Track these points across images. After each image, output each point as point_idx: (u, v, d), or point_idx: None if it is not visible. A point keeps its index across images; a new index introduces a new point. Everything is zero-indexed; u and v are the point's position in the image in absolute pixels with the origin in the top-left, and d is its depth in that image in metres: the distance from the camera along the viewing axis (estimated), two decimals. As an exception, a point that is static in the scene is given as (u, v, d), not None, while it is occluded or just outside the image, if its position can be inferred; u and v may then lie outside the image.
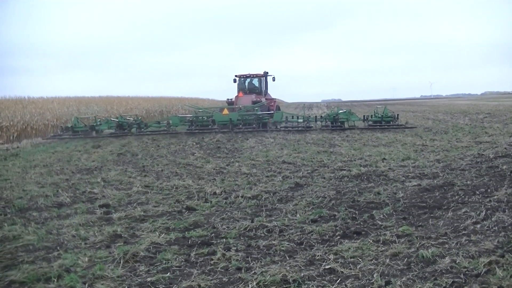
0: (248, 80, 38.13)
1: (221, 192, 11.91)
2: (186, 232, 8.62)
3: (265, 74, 37.85)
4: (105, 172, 15.48)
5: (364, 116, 32.28)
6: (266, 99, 36.73)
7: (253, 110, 32.19)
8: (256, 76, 37.85)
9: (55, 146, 25.12)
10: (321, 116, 33.11)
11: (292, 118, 33.33)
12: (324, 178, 13.47)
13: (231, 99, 36.41)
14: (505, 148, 18.37)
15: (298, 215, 9.51)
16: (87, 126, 32.24)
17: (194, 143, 24.20)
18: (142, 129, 31.85)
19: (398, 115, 33.01)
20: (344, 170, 14.57)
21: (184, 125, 32.27)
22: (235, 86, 37.77)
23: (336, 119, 31.23)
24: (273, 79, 37.78)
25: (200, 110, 36.62)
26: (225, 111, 31.64)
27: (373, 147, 20.39)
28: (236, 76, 37.95)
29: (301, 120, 31.90)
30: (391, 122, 31.25)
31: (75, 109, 40.53)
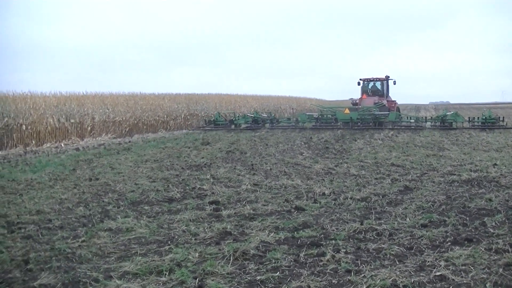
0: (372, 83, 41.66)
1: (330, 193, 11.89)
2: (295, 232, 8.63)
3: (387, 78, 40.87)
4: (214, 169, 15.71)
5: (469, 118, 35.24)
6: (387, 101, 39.78)
7: (373, 110, 35.54)
8: (379, 79, 41.17)
9: (165, 142, 25.69)
10: (431, 117, 36.87)
11: (406, 118, 37.07)
12: (434, 182, 13.25)
13: (356, 100, 41.20)
14: None
15: (407, 219, 9.38)
16: (227, 120, 37.76)
17: (303, 143, 24.32)
18: (274, 124, 36.90)
19: (503, 117, 34.65)
20: (454, 174, 14.29)
21: (311, 121, 36.34)
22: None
23: (444, 120, 34.41)
24: (394, 82, 40.65)
25: (325, 109, 39.24)
26: (347, 111, 35.70)
27: (483, 152, 19.91)
28: (360, 79, 41.39)
29: (413, 120, 35.60)
30: (494, 123, 33.54)
31: (184, 106, 41.52)
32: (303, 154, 19.59)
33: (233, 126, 36.74)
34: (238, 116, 38.46)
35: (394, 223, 9.11)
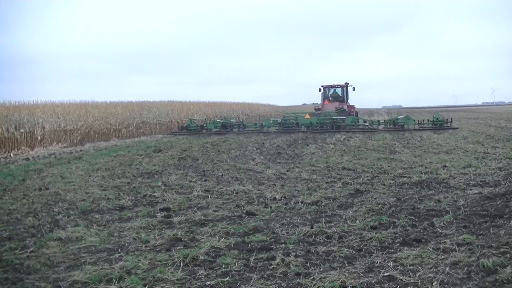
0: (332, 89, 45.68)
1: (281, 197, 11.94)
2: (245, 237, 8.64)
3: (346, 85, 44.71)
4: (166, 176, 15.64)
5: (418, 120, 40.01)
6: (347, 106, 43.79)
7: (332, 115, 39.32)
8: (339, 86, 45.15)
9: (117, 150, 25.49)
10: (384, 121, 42.06)
11: (363, 122, 40.96)
12: (384, 184, 13.41)
13: (318, 105, 45.27)
14: None
15: (357, 222, 9.45)
16: (198, 126, 41.13)
17: (255, 149, 24.39)
18: (241, 129, 40.49)
19: (451, 119, 40.30)
20: (405, 177, 14.49)
21: (275, 126, 39.89)
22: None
23: (396, 123, 39.00)
24: (353, 89, 44.49)
25: (287, 115, 43.15)
26: (307, 116, 39.63)
27: (434, 154, 20.23)
28: (322, 86, 45.02)
29: (367, 124, 40.10)
30: (441, 125, 38.29)
31: (137, 113, 41.30)
32: (255, 160, 19.62)
33: (204, 131, 39.85)
34: (209, 122, 41.96)
35: (344, 226, 9.17)
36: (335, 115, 39.59)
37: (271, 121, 41.39)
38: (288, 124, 39.84)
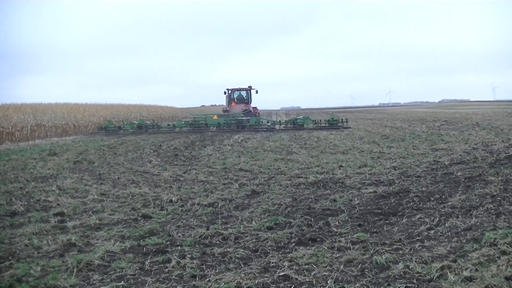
0: (237, 92, 49.53)
1: (178, 199, 11.89)
2: (141, 240, 8.57)
3: (250, 88, 48.84)
4: (61, 180, 15.29)
5: (315, 120, 43.98)
6: (252, 107, 48.31)
7: (238, 116, 43.11)
8: (244, 89, 49.25)
9: (10, 154, 24.76)
10: (285, 121, 45.78)
11: (264, 122, 44.72)
12: (281, 185, 13.54)
13: (227, 107, 48.93)
14: (461, 155, 18.72)
15: (253, 223, 9.51)
16: (116, 127, 44.46)
17: (152, 151, 24.20)
18: (155, 129, 43.84)
19: (347, 119, 44.45)
20: (301, 177, 14.67)
21: (186, 126, 43.31)
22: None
23: (295, 123, 42.47)
24: (256, 91, 48.62)
25: (197, 116, 47.60)
26: (215, 117, 43.54)
27: (330, 155, 20.55)
28: (227, 89, 48.97)
29: (270, 124, 44.26)
30: (336, 124, 42.17)
31: (31, 116, 40.18)
32: (152, 162, 19.50)
33: (121, 131, 42.85)
34: (126, 123, 45.64)
35: (240, 227, 9.22)
36: (241, 116, 43.44)
37: (183, 122, 44.66)
38: (198, 124, 43.25)
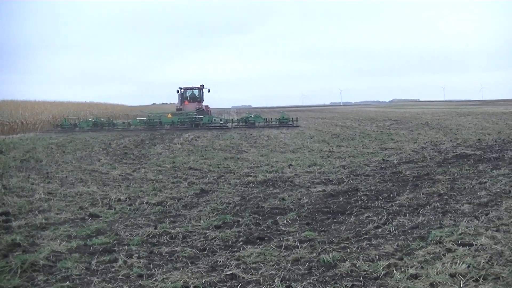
0: (190, 91, 50.90)
1: (126, 198, 11.81)
2: (88, 240, 8.45)
3: (202, 87, 50.24)
4: (6, 179, 14.97)
5: (266, 119, 46.09)
6: (204, 106, 49.92)
7: (191, 114, 44.54)
8: (196, 88, 50.59)
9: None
10: (237, 119, 46.87)
11: (216, 120, 45.46)
12: (230, 184, 13.56)
13: (180, 106, 49.75)
14: (409, 154, 19.00)
15: (202, 221, 9.49)
16: (72, 124, 44.41)
17: (101, 149, 23.97)
18: (111, 127, 44.08)
19: (297, 118, 45.30)
20: (250, 176, 14.72)
21: (141, 124, 44.29)
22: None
23: (247, 121, 44.50)
24: (208, 90, 50.07)
25: (152, 114, 49.06)
26: (169, 115, 45.18)
27: (280, 153, 20.64)
28: (179, 88, 50.35)
29: (222, 122, 45.25)
30: (286, 122, 43.65)
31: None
32: (101, 161, 19.30)
33: (77, 129, 42.90)
34: (81, 121, 46.15)
35: (188, 226, 9.19)
36: (194, 114, 44.97)
37: (138, 120, 46.64)
38: (153, 123, 44.48)
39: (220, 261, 7.22)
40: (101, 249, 7.94)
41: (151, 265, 7.12)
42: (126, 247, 8.03)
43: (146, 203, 11.30)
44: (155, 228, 9.00)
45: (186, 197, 11.93)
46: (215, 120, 45.43)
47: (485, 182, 12.56)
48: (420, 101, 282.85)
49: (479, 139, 24.76)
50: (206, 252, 7.76)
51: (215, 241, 8.28)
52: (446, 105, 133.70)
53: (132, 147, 24.99)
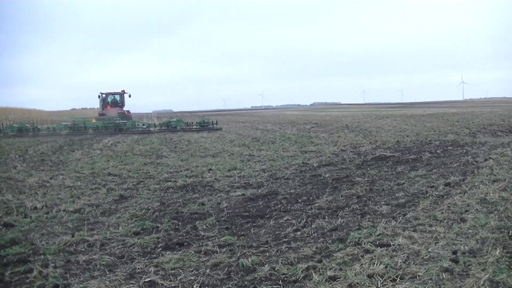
0: (111, 96, 52.61)
1: (42, 206, 11.49)
2: (2, 250, 8.22)
3: (123, 92, 52.26)
4: None
5: (187, 122, 47.03)
6: (125, 111, 51.65)
7: (115, 119, 45.43)
8: (118, 93, 52.29)
9: None
10: (160, 124, 47.77)
11: (139, 125, 46.62)
12: (150, 189, 13.44)
13: (102, 111, 51.41)
14: (329, 157, 19.18)
15: (120, 228, 9.38)
16: None
17: (17, 156, 23.37)
18: (35, 132, 43.42)
19: (217, 121, 46.64)
20: (170, 181, 14.64)
21: (66, 129, 44.03)
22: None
23: (169, 125, 45.33)
24: (129, 95, 52.50)
25: (77, 119, 48.85)
26: (94, 120, 46.30)
27: (200, 158, 20.58)
28: (101, 93, 52.26)
29: (145, 126, 46.09)
30: (206, 126, 44.74)
31: None
32: (17, 168, 18.77)
33: (1, 134, 42.06)
34: (5, 126, 45.91)
35: (107, 233, 9.05)
36: (118, 119, 46.12)
37: (63, 125, 45.88)
38: (78, 127, 44.42)
39: (138, 268, 7.15)
40: (15, 259, 7.70)
41: (67, 275, 6.96)
42: (42, 256, 7.83)
43: (64, 210, 11.03)
44: (73, 236, 8.80)
45: (104, 204, 11.73)
46: (138, 124, 46.39)
47: (403, 183, 12.85)
48: (340, 104, 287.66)
49: (397, 141, 25.27)
50: (124, 259, 7.66)
51: (133, 248, 8.20)
52: (366, 108, 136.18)
53: (50, 153, 24.42)
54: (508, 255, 6.97)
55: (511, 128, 33.20)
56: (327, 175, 14.57)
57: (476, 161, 16.30)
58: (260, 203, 11.30)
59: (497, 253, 7.02)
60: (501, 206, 9.81)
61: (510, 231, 8.11)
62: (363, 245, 7.64)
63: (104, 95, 52.33)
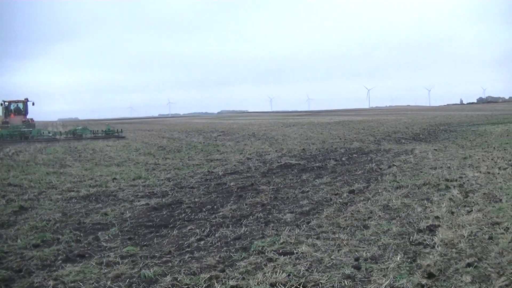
0: (14, 104, 51.10)
1: None
2: None
3: (27, 100, 51.10)
4: None
5: (92, 130, 48.79)
6: (29, 119, 50.62)
7: (21, 127, 45.66)
8: (21, 101, 51.23)
9: None
10: (66, 132, 48.85)
11: (45, 132, 47.24)
12: (51, 200, 13.11)
13: (6, 119, 49.14)
14: (235, 165, 19.21)
15: (19, 241, 9.10)
16: None
17: None
18: None
19: (121, 130, 49.15)
20: (73, 191, 14.35)
21: None
22: None
23: (75, 133, 46.20)
24: (33, 103, 51.20)
25: None
26: None
27: (105, 167, 20.30)
28: (3, 101, 50.57)
29: (51, 134, 46.46)
30: (112, 134, 46.43)
31: None
32: None
33: None
34: None
35: (4, 246, 8.78)
36: (23, 127, 46.30)
37: None
38: None
39: (37, 282, 6.98)
40: None
41: (-43, 293, 6.71)
42: None
43: (-42, 223, 10.61)
44: (-36, 252, 8.49)
45: (3, 216, 11.33)
46: (43, 132, 46.67)
47: (308, 191, 12.98)
48: (248, 112, 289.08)
49: (303, 149, 25.58)
50: (22, 273, 7.45)
51: (32, 261, 7.98)
52: (273, 116, 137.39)
53: None
54: (409, 260, 7.10)
55: (415, 135, 34.18)
56: (232, 184, 14.59)
57: (380, 168, 16.64)
58: (164, 213, 11.22)
59: (398, 258, 7.17)
60: (403, 213, 10.05)
61: (411, 237, 8.28)
62: (266, 253, 7.68)
63: (6, 103, 50.98)
